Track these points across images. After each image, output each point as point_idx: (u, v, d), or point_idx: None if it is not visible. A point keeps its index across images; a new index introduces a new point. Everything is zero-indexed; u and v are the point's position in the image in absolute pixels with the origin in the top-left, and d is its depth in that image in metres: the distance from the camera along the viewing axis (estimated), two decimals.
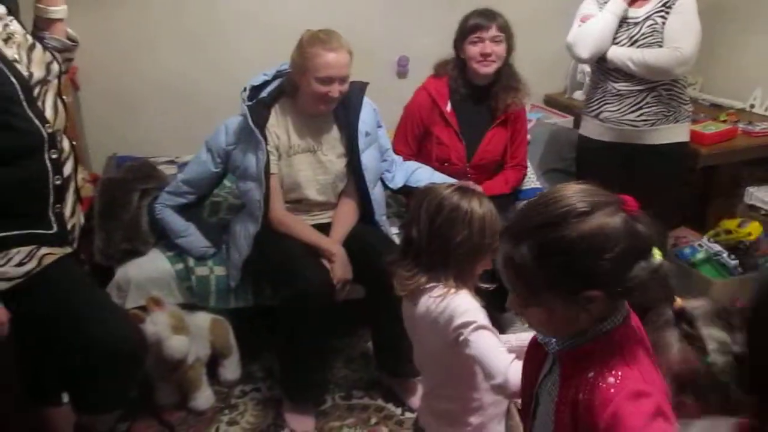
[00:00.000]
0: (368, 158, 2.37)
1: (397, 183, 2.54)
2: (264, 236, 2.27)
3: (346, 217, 2.38)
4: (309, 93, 2.23)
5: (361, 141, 2.35)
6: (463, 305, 1.48)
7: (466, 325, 1.45)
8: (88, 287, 1.69)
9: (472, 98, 2.60)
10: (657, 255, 1.03)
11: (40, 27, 1.63)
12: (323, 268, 2.23)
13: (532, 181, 2.87)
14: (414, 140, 2.66)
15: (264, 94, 2.29)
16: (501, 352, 1.41)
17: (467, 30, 2.54)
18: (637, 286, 1.02)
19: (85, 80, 3.18)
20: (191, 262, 2.40)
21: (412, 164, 2.59)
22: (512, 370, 1.36)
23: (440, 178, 2.54)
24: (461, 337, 1.45)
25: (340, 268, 2.25)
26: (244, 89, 2.31)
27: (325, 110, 2.29)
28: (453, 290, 1.51)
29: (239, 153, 2.28)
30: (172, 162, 3.11)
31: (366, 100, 2.42)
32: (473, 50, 2.51)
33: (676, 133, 2.54)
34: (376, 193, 2.43)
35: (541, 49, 3.27)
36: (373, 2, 3.43)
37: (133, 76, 3.24)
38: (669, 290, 1.11)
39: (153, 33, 3.20)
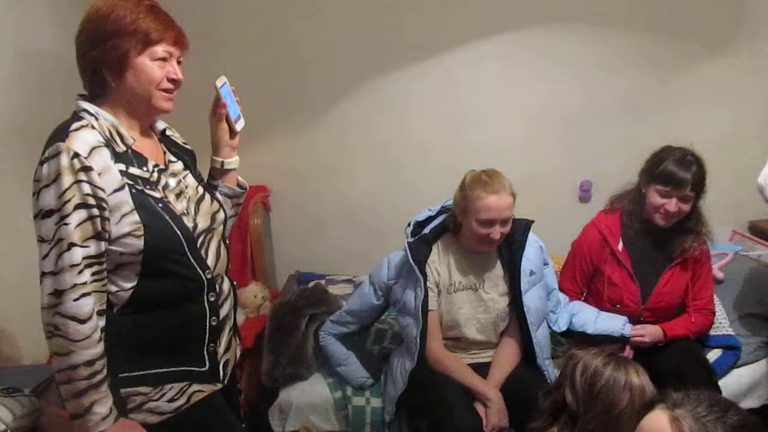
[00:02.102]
0: (532, 298, 2.27)
1: (560, 326, 2.41)
2: (420, 373, 2.23)
3: (506, 359, 2.28)
4: (471, 233, 2.21)
5: (525, 280, 2.26)
6: None
7: None
8: (230, 426, 1.75)
9: (646, 235, 2.42)
10: None
11: (214, 176, 1.80)
12: (476, 414, 2.13)
13: (723, 326, 2.57)
14: (583, 278, 2.52)
15: (427, 230, 2.32)
16: None
17: (658, 175, 2.32)
18: None
19: (276, 203, 3.47)
20: (349, 390, 2.42)
21: (575, 305, 2.45)
22: None
23: (605, 322, 2.37)
24: None
25: (495, 414, 2.14)
26: (408, 224, 2.36)
27: (488, 250, 2.26)
28: None
29: (399, 288, 2.31)
30: (349, 281, 3.24)
31: (532, 237, 2.34)
32: (657, 200, 2.31)
33: None
34: (540, 335, 2.30)
35: (746, 168, 2.84)
36: (555, 124, 3.39)
37: (318, 199, 3.48)
38: None
39: (338, 162, 3.44)
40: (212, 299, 1.64)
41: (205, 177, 1.82)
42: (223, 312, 1.69)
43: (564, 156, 3.42)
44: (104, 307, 1.50)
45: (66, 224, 1.41)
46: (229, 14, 3.26)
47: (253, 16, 3.24)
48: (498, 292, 2.31)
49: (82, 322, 1.43)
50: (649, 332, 2.35)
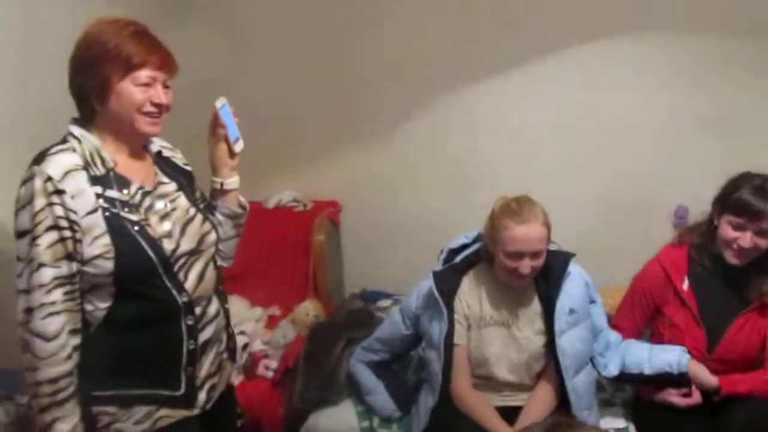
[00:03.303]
0: (570, 340, 2.05)
1: (611, 371, 2.16)
2: (442, 412, 2.09)
3: (538, 405, 2.07)
4: (500, 265, 2.04)
5: (562, 320, 2.04)
6: None
7: None
8: None
9: (718, 274, 2.11)
10: None
11: (213, 196, 1.80)
12: None
13: None
14: (642, 318, 2.25)
15: (458, 259, 2.17)
16: None
17: (731, 204, 2.03)
18: None
19: (346, 217, 3.44)
20: (377, 422, 2.32)
21: (626, 345, 2.19)
22: None
23: (659, 358, 2.10)
24: None
25: None
26: (441, 251, 2.23)
27: (518, 284, 2.07)
28: None
29: (426, 319, 2.18)
30: None
31: (577, 271, 2.13)
32: (729, 233, 2.02)
33: None
34: (579, 383, 2.06)
35: None
36: (649, 141, 3.07)
37: (387, 216, 3.40)
38: None
39: (406, 179, 3.36)
40: (190, 323, 1.62)
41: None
42: (204, 335, 1.66)
43: (656, 177, 3.09)
44: (78, 326, 1.52)
45: (37, 245, 1.45)
46: (297, 27, 3.28)
47: (321, 29, 3.24)
48: (533, 331, 2.11)
49: (48, 340, 1.46)
50: (700, 376, 2.05)
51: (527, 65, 3.06)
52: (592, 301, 2.18)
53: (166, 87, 1.60)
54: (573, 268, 2.12)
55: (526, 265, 1.98)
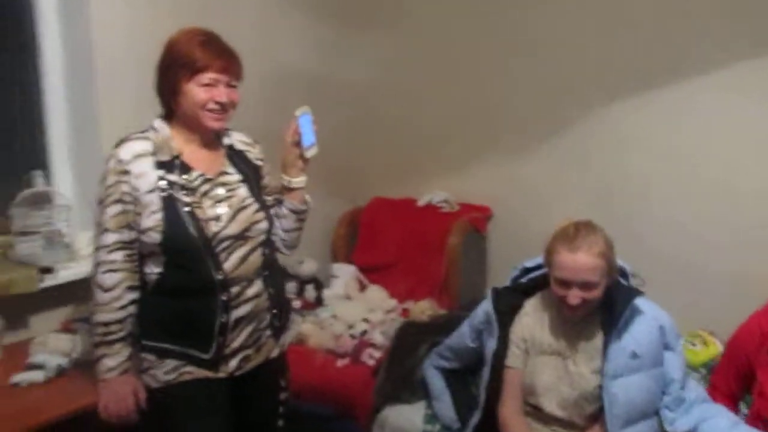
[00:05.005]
0: (625, 386, 1.86)
1: (676, 428, 1.90)
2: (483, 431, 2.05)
3: None
4: (553, 292, 1.93)
5: (619, 361, 1.86)
6: None
7: None
8: (201, 410, 1.85)
9: None
10: None
11: (281, 192, 1.98)
12: None
13: None
14: (736, 379, 1.96)
15: (525, 279, 2.09)
16: None
17: None
18: None
19: (496, 223, 3.41)
20: (438, 427, 2.33)
21: (710, 409, 1.90)
22: None
23: None
24: None
25: None
26: (515, 267, 2.16)
27: (571, 315, 1.93)
28: None
29: (487, 334, 2.13)
30: None
31: (652, 312, 1.92)
32: None
33: None
34: None
35: None
36: None
37: (537, 226, 3.21)
38: None
39: (561, 190, 3.22)
40: (224, 298, 1.83)
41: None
42: (239, 312, 1.85)
43: None
44: (136, 284, 1.81)
45: (105, 213, 1.78)
46: (464, 36, 3.35)
47: (486, 40, 3.27)
48: (590, 368, 1.95)
49: (105, 291, 1.78)
50: None
51: (700, 76, 2.77)
52: (669, 349, 1.94)
53: (230, 87, 1.83)
54: (647, 307, 1.92)
55: (574, 296, 1.85)
